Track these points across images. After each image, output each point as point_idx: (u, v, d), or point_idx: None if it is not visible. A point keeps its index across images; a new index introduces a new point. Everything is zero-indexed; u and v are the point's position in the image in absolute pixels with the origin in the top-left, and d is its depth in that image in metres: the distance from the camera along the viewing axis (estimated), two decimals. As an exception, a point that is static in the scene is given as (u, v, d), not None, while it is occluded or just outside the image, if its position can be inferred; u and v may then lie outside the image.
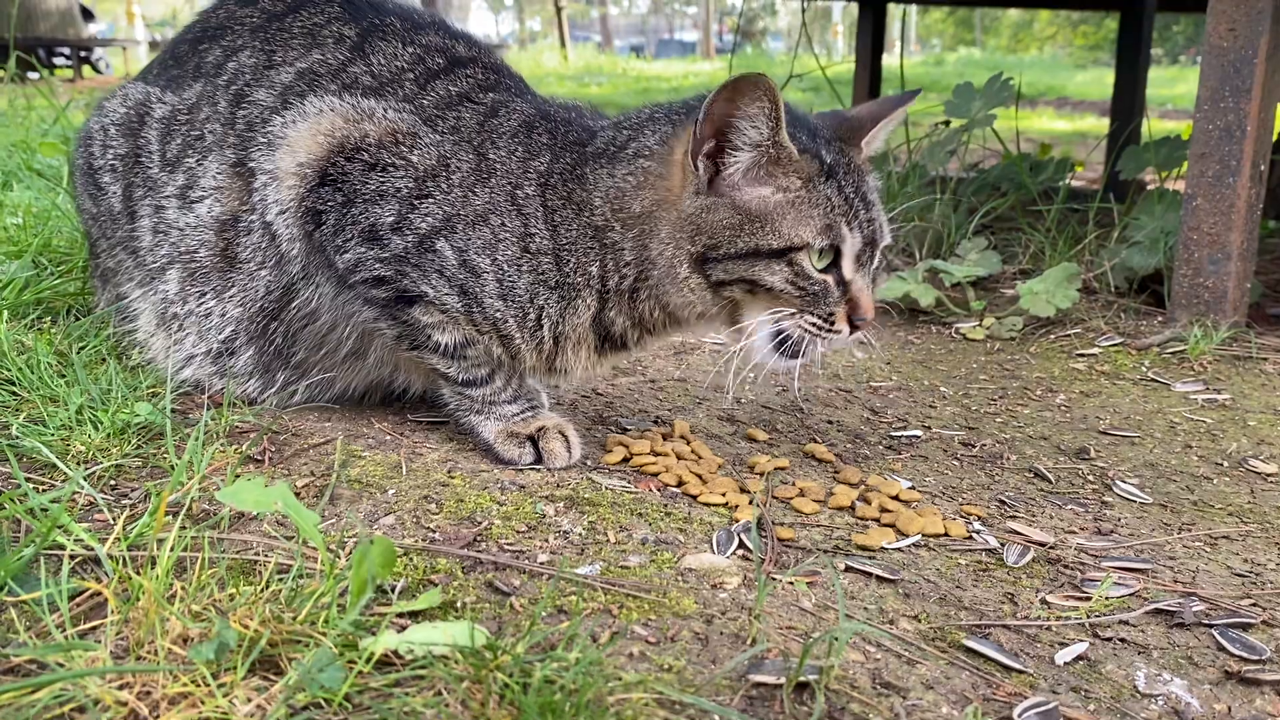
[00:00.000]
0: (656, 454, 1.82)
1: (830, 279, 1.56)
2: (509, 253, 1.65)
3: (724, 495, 1.69)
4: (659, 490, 1.69)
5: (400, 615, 1.18)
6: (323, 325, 1.78)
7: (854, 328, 1.57)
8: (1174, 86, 17.14)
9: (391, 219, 1.63)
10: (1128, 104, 5.43)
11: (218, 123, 1.80)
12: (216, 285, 1.79)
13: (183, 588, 1.11)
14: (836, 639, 1.15)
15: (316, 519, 1.15)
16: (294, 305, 1.77)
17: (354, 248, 1.65)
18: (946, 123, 3.63)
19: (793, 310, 1.57)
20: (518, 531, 1.46)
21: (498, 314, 1.66)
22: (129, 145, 1.89)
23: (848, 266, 1.57)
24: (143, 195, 1.86)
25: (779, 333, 1.58)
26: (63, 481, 1.46)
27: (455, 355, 1.71)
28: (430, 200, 1.64)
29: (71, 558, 1.25)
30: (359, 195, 1.64)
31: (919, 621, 1.34)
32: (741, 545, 1.51)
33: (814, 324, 1.57)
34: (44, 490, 1.44)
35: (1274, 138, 2.77)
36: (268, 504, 1.13)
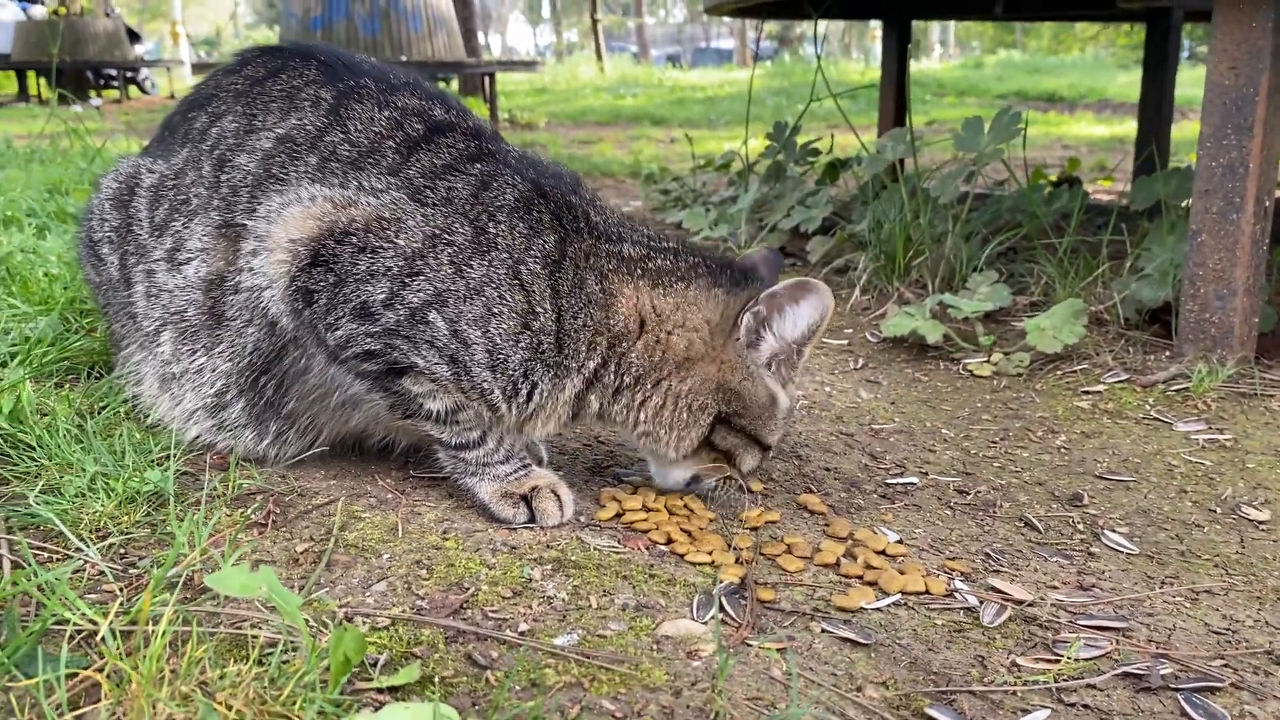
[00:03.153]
0: (648, 510, 1.87)
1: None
2: (505, 326, 1.71)
3: (710, 554, 1.74)
4: (647, 549, 1.74)
5: (380, 691, 1.24)
6: (314, 384, 1.84)
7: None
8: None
9: (384, 296, 1.69)
10: (1154, 114, 5.46)
11: (202, 186, 1.88)
12: (206, 342, 1.87)
13: (171, 671, 1.18)
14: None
15: (298, 601, 1.22)
16: (285, 363, 1.83)
17: (345, 324, 1.70)
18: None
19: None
20: (503, 597, 1.52)
21: (485, 384, 1.72)
22: (121, 217, 1.99)
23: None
24: (136, 262, 1.96)
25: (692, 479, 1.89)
26: (76, 552, 1.54)
27: (448, 421, 1.77)
28: (422, 277, 1.70)
29: (79, 631, 1.32)
30: (350, 275, 1.69)
31: (886, 688, 1.38)
32: (722, 609, 1.56)
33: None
34: (58, 562, 1.52)
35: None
36: (253, 589, 1.19)
